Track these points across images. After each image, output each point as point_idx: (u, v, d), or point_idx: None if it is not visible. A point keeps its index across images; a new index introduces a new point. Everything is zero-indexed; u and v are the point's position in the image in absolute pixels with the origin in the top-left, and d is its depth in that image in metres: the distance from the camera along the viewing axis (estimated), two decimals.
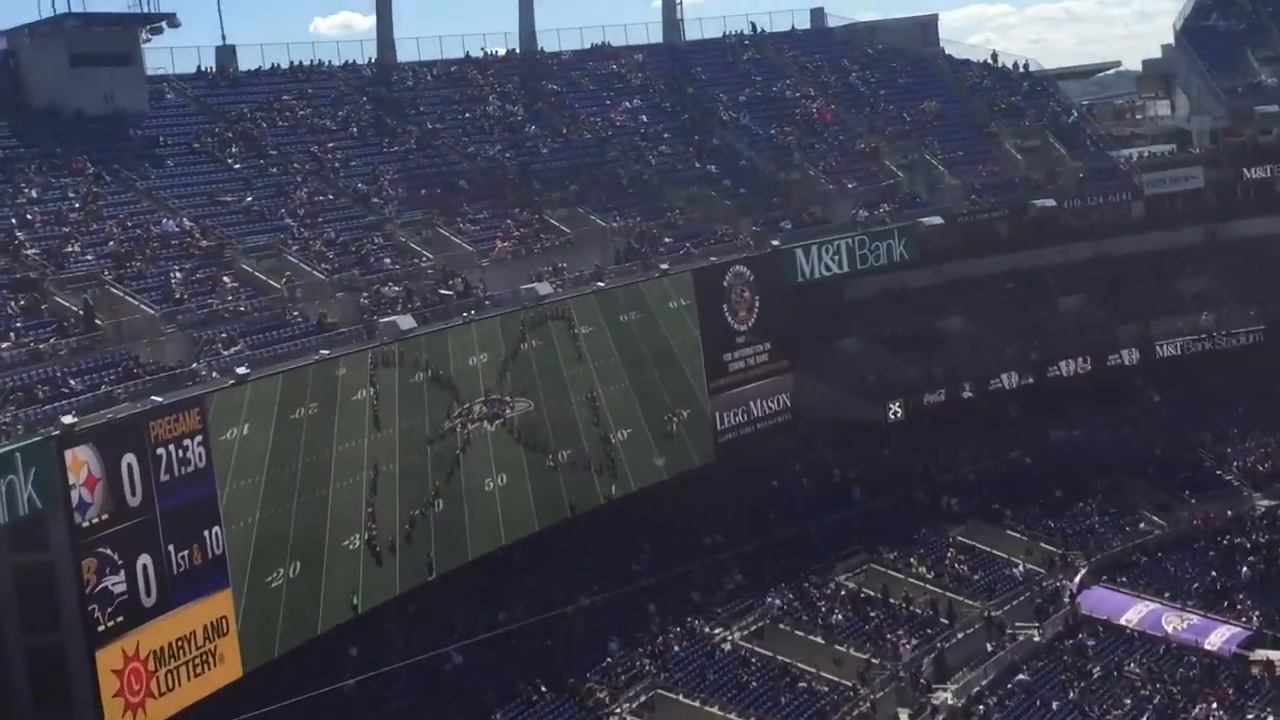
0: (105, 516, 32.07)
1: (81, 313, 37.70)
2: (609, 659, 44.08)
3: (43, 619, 32.49)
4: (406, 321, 42.14)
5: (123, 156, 47.68)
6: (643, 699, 42.87)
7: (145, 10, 50.58)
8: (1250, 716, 46.83)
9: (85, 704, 31.94)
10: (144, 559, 32.85)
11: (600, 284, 49.00)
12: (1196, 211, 67.75)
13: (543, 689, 41.87)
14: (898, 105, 70.00)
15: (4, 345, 35.48)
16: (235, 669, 35.23)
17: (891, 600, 50.08)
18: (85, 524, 31.65)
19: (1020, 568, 53.44)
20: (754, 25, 73.97)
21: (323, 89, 57.92)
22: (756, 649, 46.43)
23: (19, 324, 36.79)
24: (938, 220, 61.03)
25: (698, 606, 47.73)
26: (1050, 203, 64.88)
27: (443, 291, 45.77)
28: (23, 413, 32.59)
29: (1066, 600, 51.96)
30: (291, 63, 58.58)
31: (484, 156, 57.15)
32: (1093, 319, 63.47)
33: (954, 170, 65.76)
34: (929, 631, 48.84)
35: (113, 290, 39.43)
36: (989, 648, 48.79)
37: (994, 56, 76.19)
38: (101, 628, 31.82)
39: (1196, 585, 53.56)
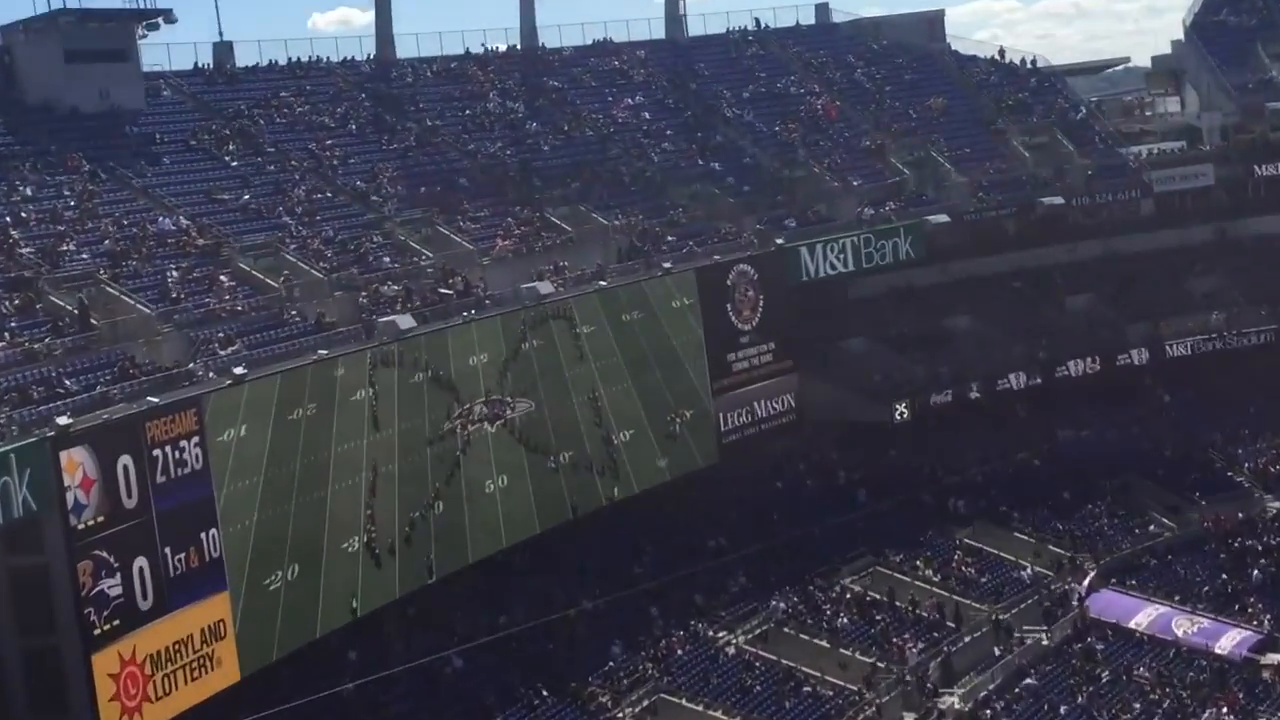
0: (101, 518, 32.08)
1: (76, 312, 37.72)
2: (611, 663, 44.08)
3: (38, 622, 32.51)
4: (406, 321, 42.16)
5: (118, 154, 47.75)
6: (645, 703, 42.86)
7: (141, 6, 50.77)
8: None
9: (81, 708, 31.95)
10: (140, 561, 32.87)
11: (602, 283, 49.01)
12: (1207, 209, 67.70)
13: (544, 693, 41.87)
14: (903, 102, 70.01)
15: None
16: (233, 673, 35.24)
17: (897, 603, 50.08)
18: (81, 526, 31.66)
19: (1028, 570, 53.41)
20: (758, 21, 74.16)
21: (321, 86, 57.98)
22: (760, 652, 46.43)
23: (13, 323, 36.81)
24: (944, 218, 61.04)
25: (701, 609, 47.73)
26: (1058, 200, 64.86)
27: (443, 291, 45.79)
28: (17, 413, 32.63)
29: (1075, 603, 51.95)
30: (289, 59, 58.75)
31: (484, 154, 57.19)
32: (1101, 318, 63.44)
33: (961, 167, 65.76)
34: (935, 635, 48.85)
35: (108, 289, 39.46)
36: (996, 651, 48.78)
37: (1001, 52, 76.26)
38: (97, 631, 31.84)
39: (1207, 588, 53.52)
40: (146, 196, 46.05)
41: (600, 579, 46.94)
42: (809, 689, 45.20)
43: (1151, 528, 57.25)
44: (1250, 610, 51.97)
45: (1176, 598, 52.64)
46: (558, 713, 41.63)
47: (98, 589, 31.87)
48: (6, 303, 37.60)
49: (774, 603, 48.70)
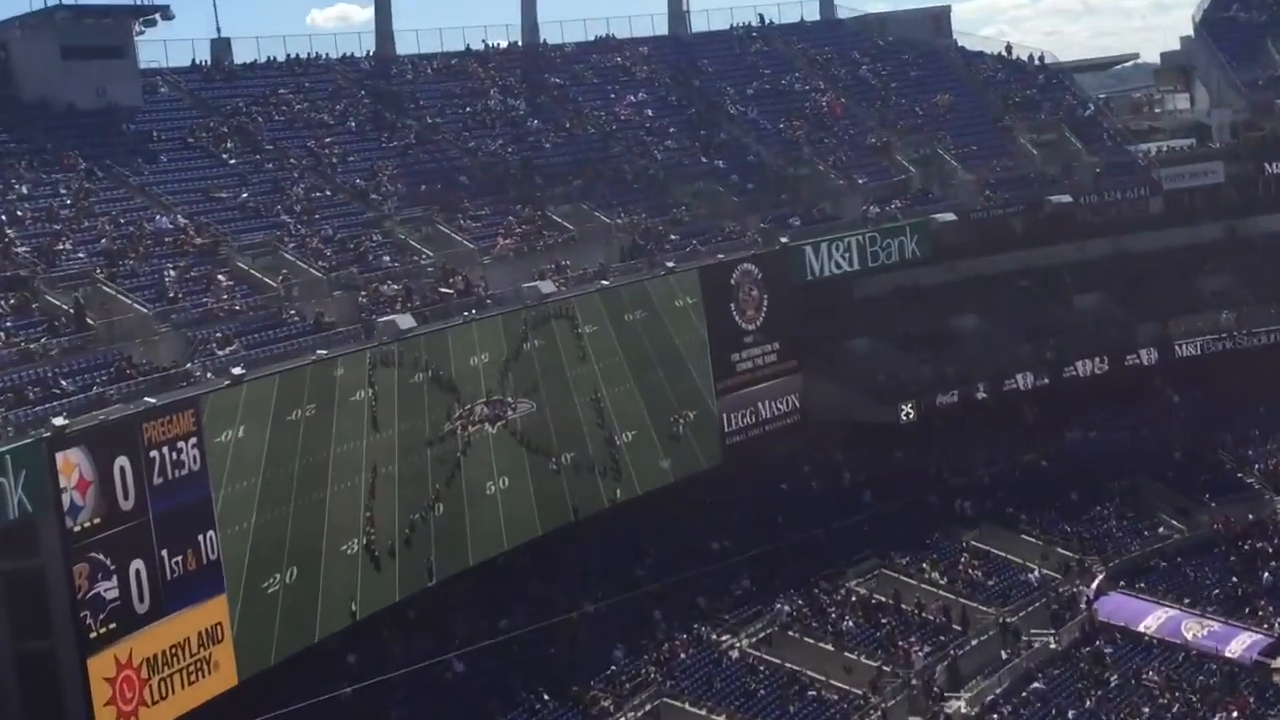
0: (97, 520, 32.07)
1: (72, 311, 37.71)
2: (613, 666, 44.06)
3: (33, 625, 32.50)
4: (406, 321, 42.14)
5: (115, 151, 47.73)
6: (648, 708, 42.86)
7: (138, 2, 50.68)
8: None
9: (77, 713, 31.94)
10: (137, 564, 32.86)
11: (604, 282, 49.01)
12: (1216, 207, 67.64)
13: (545, 697, 41.88)
14: (910, 98, 69.97)
15: None
16: (230, 677, 35.23)
17: (903, 606, 50.06)
18: (77, 528, 31.66)
19: (1036, 573, 53.37)
20: (762, 17, 74.16)
21: (320, 82, 57.97)
22: (765, 656, 46.42)
23: (9, 323, 36.82)
24: (950, 216, 60.99)
25: (704, 612, 47.72)
26: (1066, 198, 64.79)
27: (443, 290, 45.79)
28: (13, 414, 32.64)
29: (1083, 606, 51.90)
30: (288, 55, 58.71)
31: (485, 151, 57.17)
32: (1110, 318, 63.37)
33: (967, 165, 65.71)
34: (942, 638, 48.82)
35: (105, 289, 39.45)
36: (1003, 655, 48.76)
37: (1008, 49, 76.24)
38: (93, 634, 31.82)
39: (1217, 591, 53.49)
40: (143, 195, 46.05)
41: (602, 581, 46.93)
42: (814, 693, 45.20)
43: (1161, 530, 57.20)
44: (1261, 613, 51.94)
45: (1186, 601, 52.61)
46: (559, 717, 41.64)
47: (94, 592, 31.86)
48: (2, 302, 37.60)
49: (778, 605, 48.67)
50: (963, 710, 45.75)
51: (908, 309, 61.15)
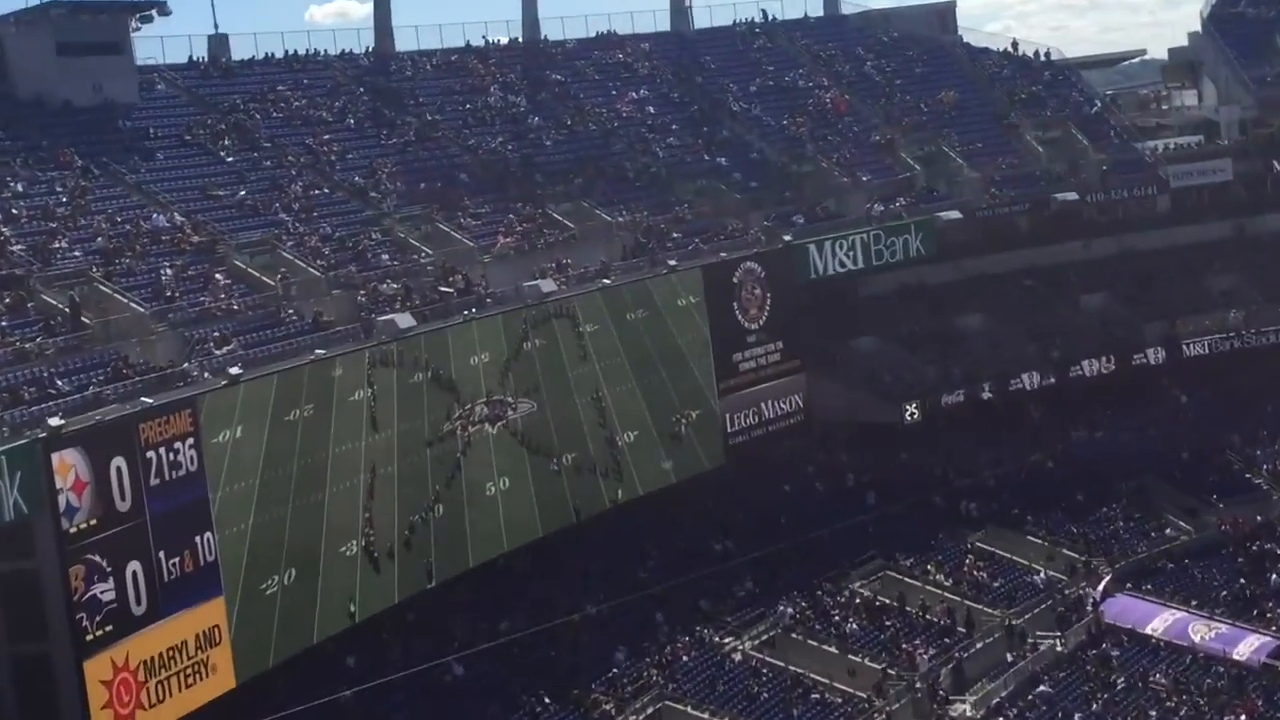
0: (93, 522, 32.07)
1: (68, 310, 37.72)
2: (615, 669, 44.07)
3: (29, 628, 32.50)
4: (405, 320, 42.15)
5: (111, 149, 47.74)
6: (650, 710, 42.87)
7: None
8: None
9: (73, 716, 31.94)
10: (133, 566, 32.87)
11: (606, 281, 49.01)
12: (1224, 205, 67.63)
13: (546, 700, 41.89)
14: (914, 95, 69.95)
15: None
16: (228, 680, 35.24)
17: (908, 608, 50.07)
18: (73, 529, 31.66)
19: (1041, 575, 53.35)
20: (765, 12, 74.06)
21: (318, 79, 57.98)
22: (768, 659, 46.43)
23: (4, 323, 36.81)
24: (956, 214, 60.99)
25: (707, 615, 47.73)
26: (1072, 196, 64.80)
27: (443, 289, 45.79)
28: (8, 414, 32.64)
29: (1089, 608, 51.90)
30: (286, 52, 58.73)
31: (485, 149, 57.18)
32: (1117, 317, 63.39)
33: (973, 163, 65.71)
34: (947, 641, 48.84)
35: (101, 287, 39.45)
36: (1009, 658, 48.75)
37: (1014, 45, 76.23)
38: (90, 637, 31.83)
39: (1224, 593, 53.49)
40: (140, 193, 46.05)
41: (604, 583, 46.91)
42: (817, 696, 45.22)
43: (1168, 531, 57.22)
44: (1269, 615, 51.94)
45: (1193, 603, 52.61)
46: None
47: (90, 594, 31.86)
48: None
49: (781, 608, 48.67)
50: (968, 714, 45.77)
51: (912, 308, 61.16)
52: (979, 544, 54.54)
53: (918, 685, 46.22)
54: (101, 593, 32.12)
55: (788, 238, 55.75)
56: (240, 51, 57.33)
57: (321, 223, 48.03)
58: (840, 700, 45.24)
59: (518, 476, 44.17)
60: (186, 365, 37.35)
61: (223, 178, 48.69)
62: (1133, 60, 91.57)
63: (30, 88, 48.46)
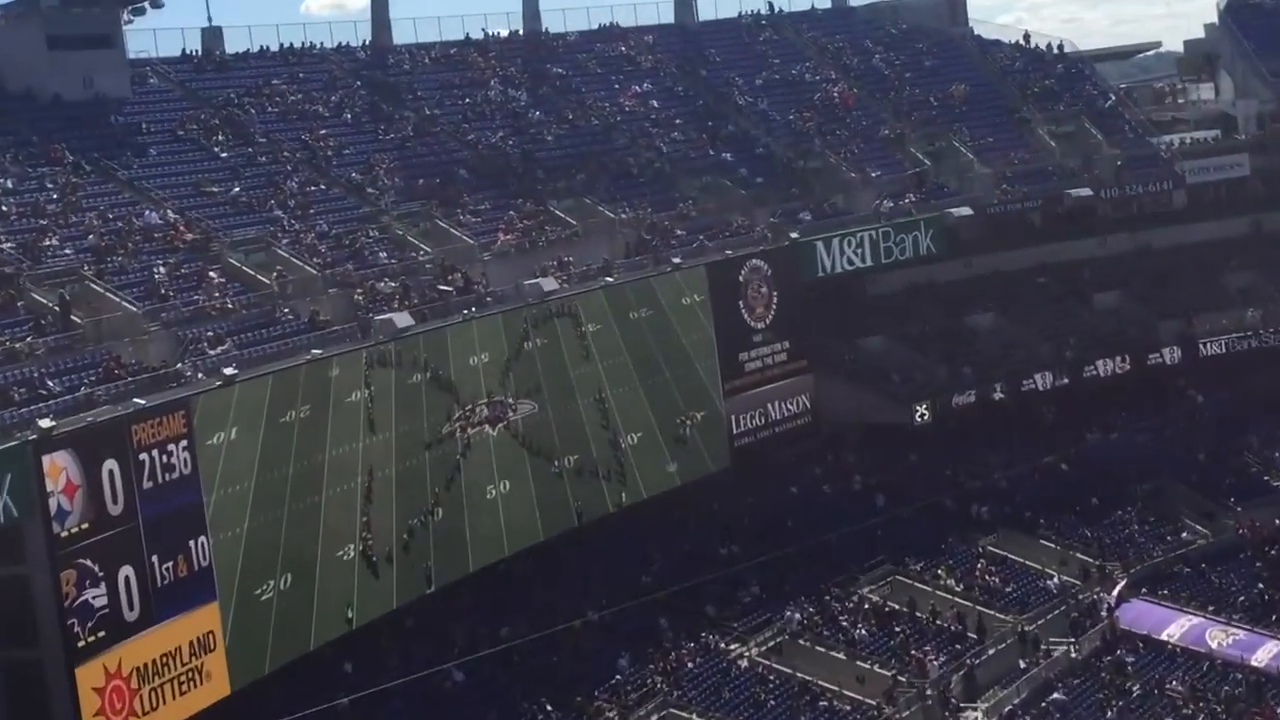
0: (85, 526, 32.10)
1: (58, 309, 37.76)
2: (618, 676, 44.09)
3: (19, 634, 32.52)
4: (403, 319, 42.19)
5: (103, 144, 47.83)
6: (654, 718, 42.88)
7: None
8: None
9: None
10: (126, 570, 32.90)
11: (609, 279, 49.05)
12: (1242, 201, 67.68)
13: (548, 708, 41.89)
14: (924, 89, 70.01)
15: None
16: (223, 687, 35.26)
17: (918, 614, 50.06)
18: (64, 534, 31.68)
19: (1055, 579, 53.35)
20: (771, 4, 74.34)
21: (314, 73, 58.08)
22: (775, 665, 46.44)
23: None
24: (967, 211, 61.01)
25: (712, 620, 47.74)
26: (1086, 192, 64.84)
27: (442, 287, 45.84)
28: None
29: (1104, 614, 51.91)
30: (281, 45, 58.89)
31: (485, 144, 57.23)
32: (1132, 315, 63.41)
33: (984, 158, 65.76)
34: (958, 647, 48.83)
35: (93, 286, 39.54)
36: (1022, 664, 48.77)
37: (1026, 37, 76.31)
38: (81, 643, 31.85)
39: (1242, 598, 53.48)
40: (132, 189, 46.12)
41: (607, 588, 46.93)
42: (825, 703, 45.23)
43: (1184, 535, 57.18)
44: None
45: (1210, 608, 52.62)
46: None
47: (82, 599, 31.89)
48: None
49: (789, 613, 48.67)
50: None
51: (922, 307, 61.22)
52: (991, 548, 54.51)
53: (928, 692, 46.20)
54: (93, 598, 32.15)
55: (794, 235, 55.80)
56: (234, 45, 57.64)
57: (318, 220, 48.10)
58: (849, 708, 45.25)
59: (518, 479, 44.21)
60: (180, 365, 37.41)
61: (217, 174, 48.78)
62: (1148, 53, 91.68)
63: (20, 82, 48.57)
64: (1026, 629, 50.10)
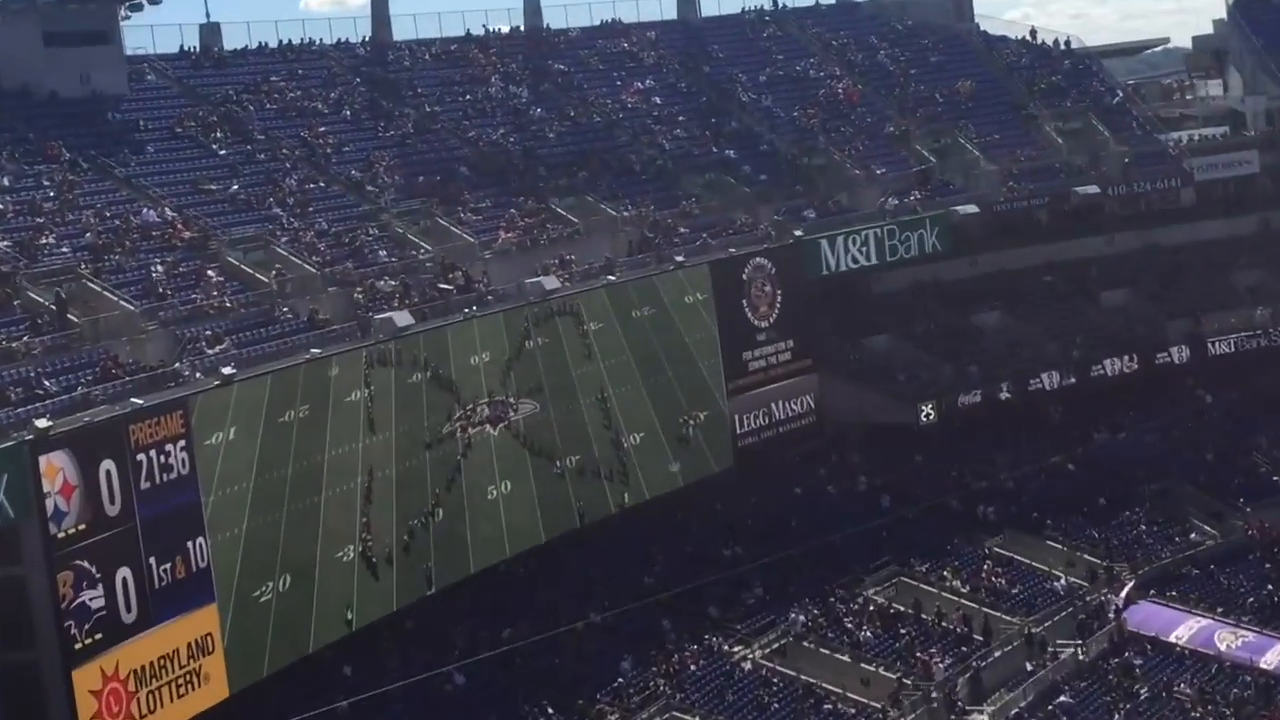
0: (82, 527, 32.11)
1: (54, 307, 37.76)
2: (621, 679, 44.07)
3: (15, 636, 32.49)
4: (403, 318, 42.18)
5: (100, 142, 47.83)
6: None
7: None
8: None
9: None
10: (123, 572, 32.90)
11: (611, 277, 49.06)
12: (1251, 198, 67.71)
13: (550, 711, 41.87)
14: (929, 85, 70.01)
15: None
16: (221, 689, 35.27)
17: (923, 616, 50.03)
18: (61, 535, 31.68)
19: (1062, 581, 53.32)
20: (775, 0, 74.05)
21: (313, 69, 58.08)
22: (778, 668, 46.40)
23: None
24: (972, 209, 61.03)
25: (715, 622, 47.73)
26: (1093, 189, 64.85)
27: (442, 286, 45.83)
28: None
29: (1111, 616, 51.89)
30: (280, 41, 58.92)
31: (486, 141, 57.23)
32: (1139, 314, 63.38)
33: (990, 155, 65.74)
34: (964, 649, 48.80)
35: (90, 285, 39.53)
36: (1028, 667, 48.73)
37: (1033, 33, 76.30)
38: (78, 645, 31.86)
39: (1251, 599, 53.48)
40: (130, 187, 46.13)
41: (609, 590, 46.93)
42: (830, 707, 45.20)
43: (1192, 536, 57.14)
44: None
45: (1219, 610, 52.60)
46: None
47: (79, 601, 31.90)
48: None
49: (793, 615, 48.64)
50: None
51: (928, 305, 61.21)
52: (997, 549, 54.49)
53: (934, 695, 46.17)
54: (90, 600, 32.16)
55: (798, 233, 55.79)
56: (233, 41, 57.71)
57: (317, 218, 48.09)
58: (854, 711, 45.21)
59: (520, 479, 44.21)
60: (178, 365, 37.40)
61: (215, 171, 48.77)
62: (1155, 49, 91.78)
63: (16, 78, 48.54)
64: (1033, 631, 50.07)
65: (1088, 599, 52.61)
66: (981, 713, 46.24)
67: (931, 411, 56.92)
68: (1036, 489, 57.61)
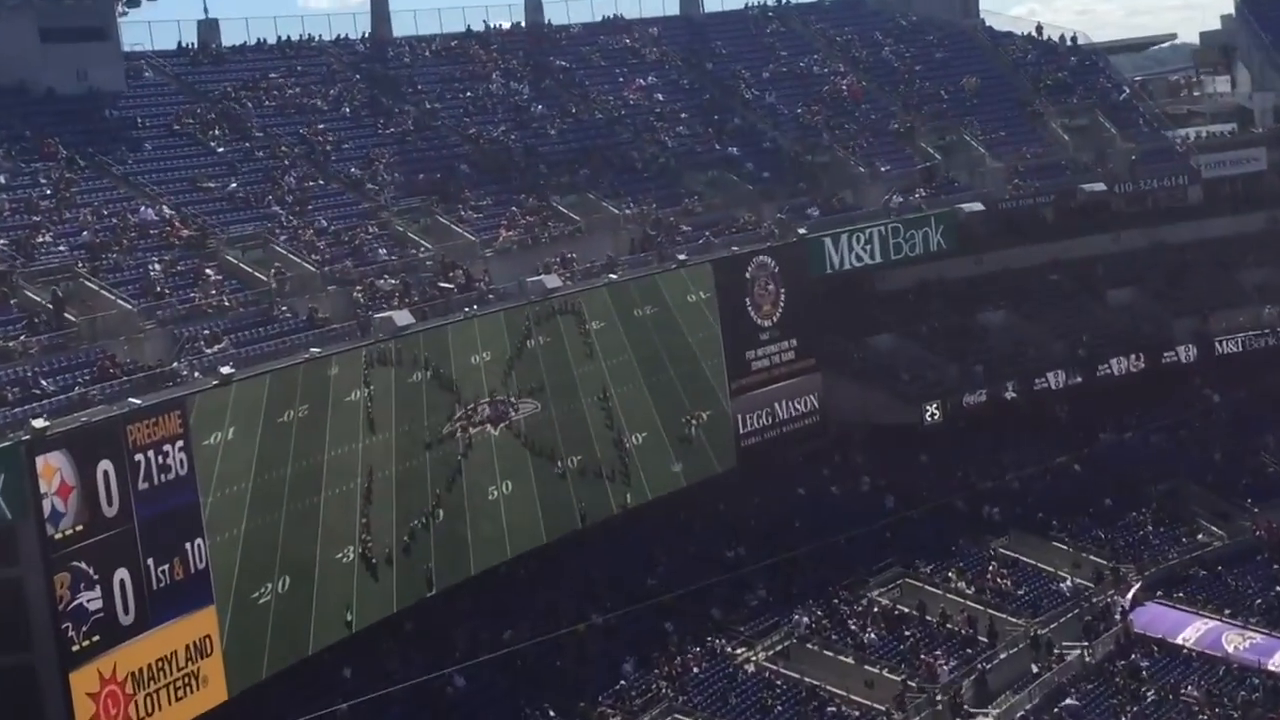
0: (80, 528, 32.13)
1: (51, 306, 37.77)
2: (623, 681, 44.12)
3: (12, 638, 32.54)
4: (404, 317, 42.19)
5: (98, 139, 47.84)
6: None
7: None
8: None
9: None
10: (121, 573, 32.92)
11: (613, 276, 49.05)
12: (1258, 196, 67.68)
13: (551, 714, 41.92)
14: (934, 81, 69.99)
15: None
16: (220, 692, 35.30)
17: (928, 617, 50.06)
18: (58, 536, 31.71)
19: (1068, 582, 53.37)
20: None
21: (313, 66, 58.08)
22: (782, 670, 46.45)
23: None
24: (978, 206, 61.04)
25: (718, 624, 47.77)
26: (1100, 187, 64.85)
27: (443, 285, 45.85)
28: None
29: (1118, 617, 51.90)
30: (279, 37, 58.97)
31: (487, 138, 57.23)
32: (1146, 313, 63.38)
33: (995, 152, 65.73)
34: (968, 651, 48.84)
35: (87, 283, 39.54)
36: (1034, 669, 48.76)
37: (1039, 29, 76.36)
38: (76, 647, 31.88)
39: (1259, 601, 53.47)
40: (127, 184, 46.14)
41: (611, 592, 46.98)
42: (834, 709, 45.22)
43: (1200, 536, 57.18)
44: None
45: (1227, 611, 52.61)
46: None
47: (76, 602, 31.92)
48: None
49: (796, 617, 48.69)
50: None
51: (932, 304, 61.20)
52: (1002, 550, 54.52)
53: (938, 698, 46.20)
54: (88, 601, 32.18)
55: (802, 231, 55.77)
56: (231, 37, 57.71)
57: (316, 216, 48.10)
58: (858, 713, 45.25)
59: (521, 480, 44.22)
60: (176, 364, 37.41)
61: (213, 169, 48.78)
62: (1163, 45, 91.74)
63: (12, 75, 48.54)
64: (1039, 633, 50.10)
65: (1094, 600, 52.65)
66: (986, 715, 46.26)
67: (936, 411, 56.94)
68: (1042, 489, 57.64)
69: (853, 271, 56.93)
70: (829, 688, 45.92)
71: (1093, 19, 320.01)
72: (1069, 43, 75.17)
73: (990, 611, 50.84)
